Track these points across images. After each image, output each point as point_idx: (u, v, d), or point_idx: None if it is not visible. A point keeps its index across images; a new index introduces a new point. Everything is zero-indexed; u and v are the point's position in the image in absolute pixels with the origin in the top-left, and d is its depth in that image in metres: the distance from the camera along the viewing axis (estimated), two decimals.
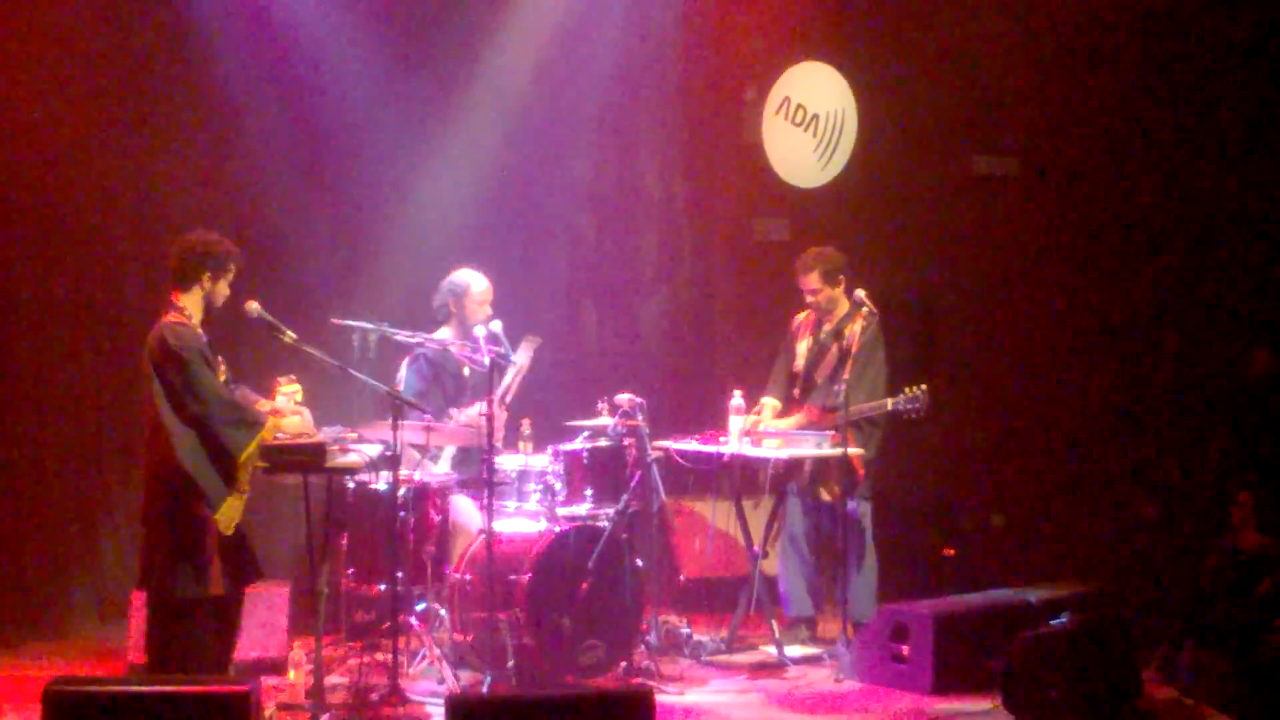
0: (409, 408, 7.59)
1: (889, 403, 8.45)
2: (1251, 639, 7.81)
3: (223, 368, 6.95)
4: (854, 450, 8.44)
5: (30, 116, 9.34)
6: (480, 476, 7.96)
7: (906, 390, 8.39)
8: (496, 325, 8.29)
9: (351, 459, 7.40)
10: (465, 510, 8.42)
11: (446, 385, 8.65)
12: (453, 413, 8.48)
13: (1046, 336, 10.58)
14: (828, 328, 8.95)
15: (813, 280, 8.86)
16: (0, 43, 9.27)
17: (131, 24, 9.61)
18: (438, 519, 7.99)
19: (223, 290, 6.96)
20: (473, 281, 8.68)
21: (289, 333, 7.14)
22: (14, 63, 9.31)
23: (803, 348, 9.03)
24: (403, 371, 8.62)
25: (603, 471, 8.20)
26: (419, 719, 7.38)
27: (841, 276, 8.88)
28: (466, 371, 8.68)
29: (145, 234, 9.38)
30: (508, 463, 8.32)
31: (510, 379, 8.59)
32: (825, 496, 8.75)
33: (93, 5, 9.49)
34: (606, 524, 8.03)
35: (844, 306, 8.89)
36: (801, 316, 9.11)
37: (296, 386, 7.21)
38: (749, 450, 8.63)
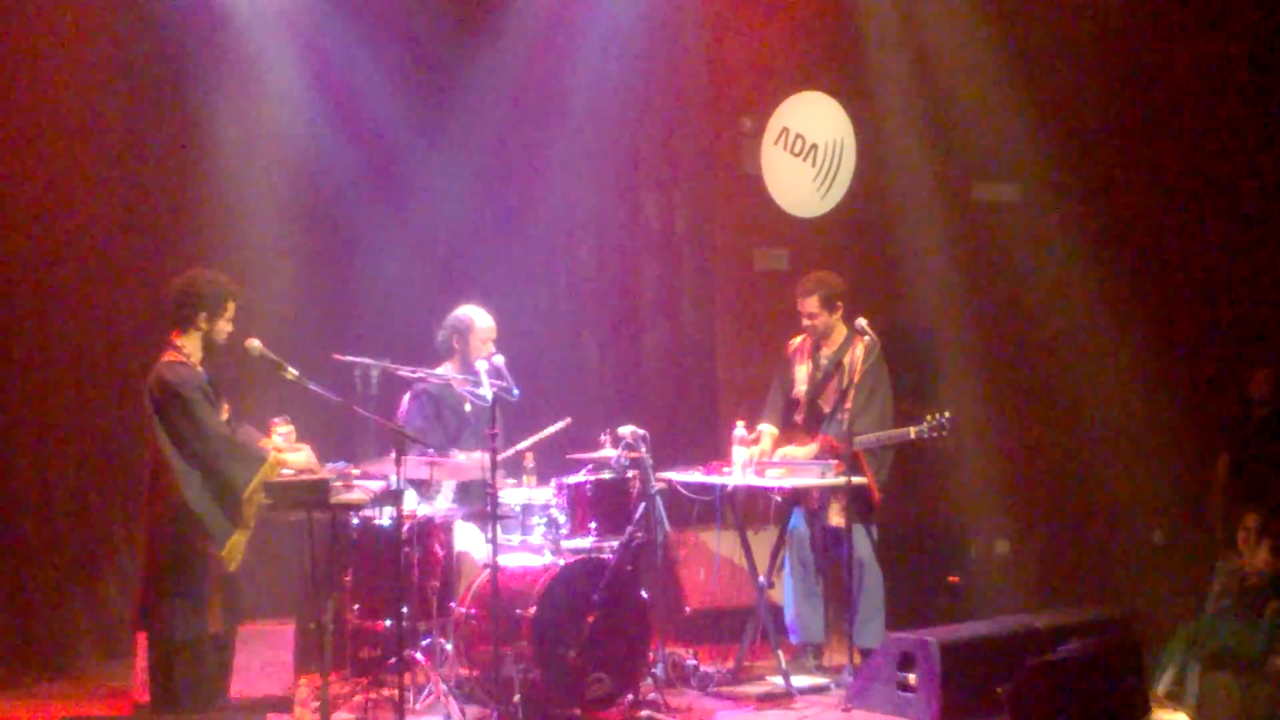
0: (412, 443, 7.60)
1: (911, 431, 8.41)
2: (1259, 662, 7.79)
3: (225, 407, 6.95)
4: (859, 479, 8.45)
5: (25, 163, 9.36)
6: (482, 510, 7.96)
7: (929, 418, 8.36)
8: (499, 359, 8.30)
9: (355, 495, 7.41)
10: (470, 544, 8.42)
11: (448, 421, 8.65)
12: (454, 454, 8.48)
13: (1049, 363, 10.59)
14: (827, 353, 8.94)
15: (812, 304, 8.86)
16: (6, 85, 9.30)
17: (130, 66, 9.63)
18: (442, 554, 7.99)
19: (223, 328, 6.97)
20: (477, 318, 8.68)
21: (291, 369, 7.15)
22: (17, 105, 9.35)
23: (801, 373, 9.02)
24: (404, 406, 8.62)
25: (607, 504, 8.19)
26: None
27: (839, 303, 8.89)
28: (468, 407, 8.68)
29: (145, 272, 9.37)
30: (512, 496, 8.33)
31: (525, 444, 8.58)
32: (834, 522, 8.74)
33: (93, 46, 9.50)
34: (611, 556, 8.02)
35: (841, 332, 8.89)
36: (797, 341, 9.11)
37: (290, 428, 7.22)
38: (753, 480, 8.63)
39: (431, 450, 7.98)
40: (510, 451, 8.45)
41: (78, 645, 9.36)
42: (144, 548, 6.85)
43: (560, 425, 8.55)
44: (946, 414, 8.37)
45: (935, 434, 8.36)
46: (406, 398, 8.66)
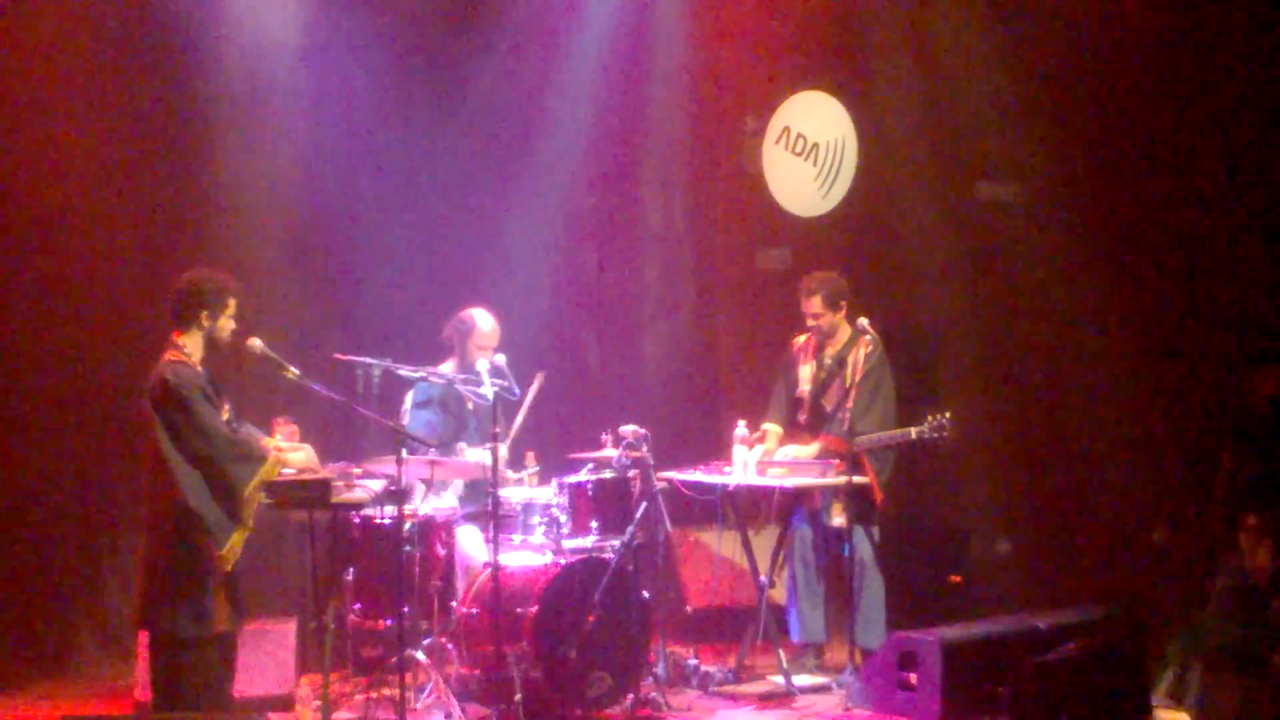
0: (413, 442, 7.60)
1: (912, 431, 8.40)
2: (1261, 662, 7.78)
3: (226, 406, 6.95)
4: (860, 479, 8.44)
5: (27, 164, 9.37)
6: (484, 509, 7.96)
7: (930, 418, 8.36)
8: (500, 358, 8.30)
9: (357, 494, 7.40)
10: (471, 544, 8.42)
11: (450, 420, 8.65)
12: (460, 448, 8.49)
13: (1051, 362, 10.57)
14: (831, 352, 8.94)
15: (815, 304, 8.86)
16: (6, 87, 9.31)
17: (133, 68, 9.64)
18: (443, 553, 8.00)
19: (226, 326, 6.95)
20: (480, 322, 8.67)
21: (292, 369, 7.14)
22: (18, 106, 9.35)
23: (806, 373, 9.02)
24: (407, 405, 8.62)
25: (608, 503, 8.20)
26: None
27: (843, 302, 8.88)
28: (470, 405, 8.68)
29: (145, 273, 9.38)
30: (513, 496, 8.32)
31: (519, 418, 8.58)
32: (835, 522, 8.74)
33: (96, 47, 9.51)
34: (612, 556, 8.02)
35: (845, 332, 8.89)
36: (801, 339, 9.11)
37: (294, 428, 7.21)
38: (754, 479, 8.63)
39: (434, 450, 7.99)
40: (512, 426, 8.43)
41: (79, 644, 9.37)
42: (144, 548, 6.84)
43: (537, 383, 8.53)
44: (947, 414, 8.36)
45: (935, 434, 8.36)
46: (409, 397, 8.65)
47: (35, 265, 9.45)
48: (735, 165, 11.01)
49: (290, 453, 7.08)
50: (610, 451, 8.29)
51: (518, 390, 8.24)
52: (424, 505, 8.12)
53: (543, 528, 8.22)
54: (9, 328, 9.37)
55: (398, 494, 7.37)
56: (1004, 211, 10.84)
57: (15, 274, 9.41)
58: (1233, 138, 10.19)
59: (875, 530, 8.78)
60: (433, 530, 7.98)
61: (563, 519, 8.16)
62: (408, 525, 7.68)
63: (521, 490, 8.42)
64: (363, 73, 10.10)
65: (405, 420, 8.45)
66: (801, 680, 8.60)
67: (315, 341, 9.04)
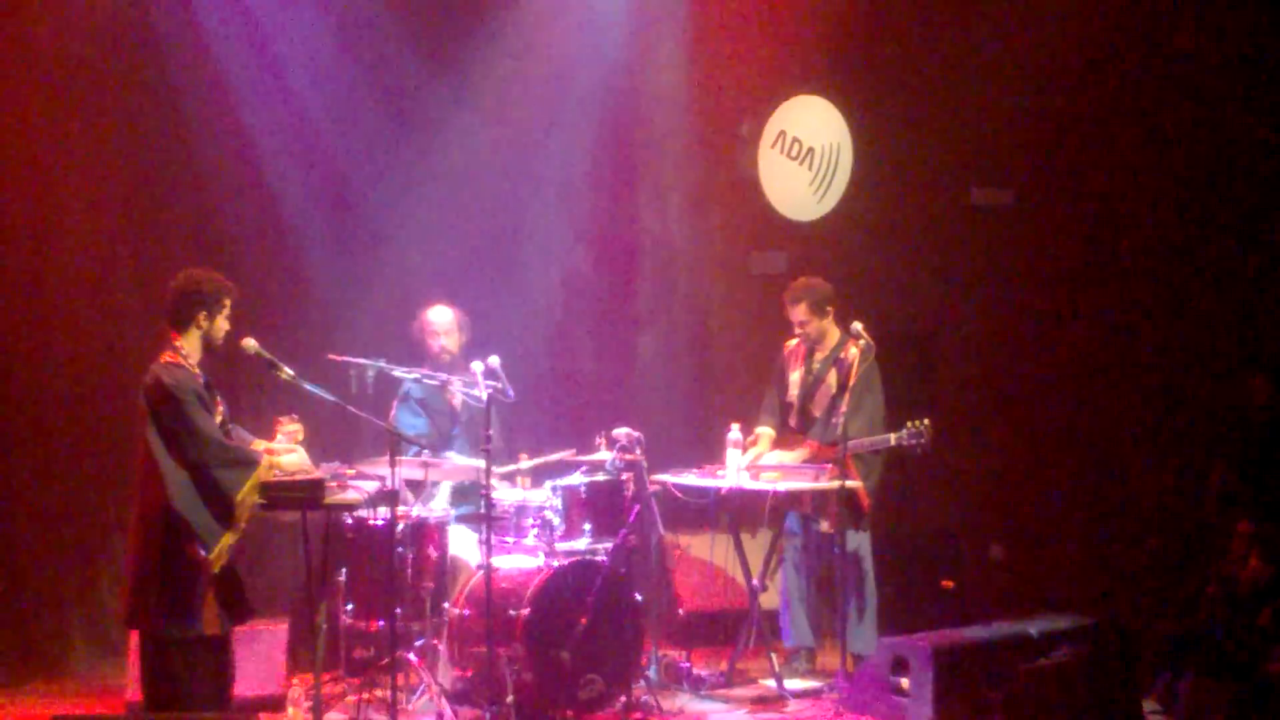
0: (407, 443, 7.59)
1: (891, 437, 8.43)
2: (1251, 669, 7.80)
3: (220, 408, 6.93)
4: (853, 483, 8.44)
5: (22, 165, 9.37)
6: (477, 511, 7.95)
7: (910, 425, 8.37)
8: (494, 360, 8.25)
9: (350, 495, 7.39)
10: (464, 546, 8.41)
11: (439, 420, 8.64)
12: (449, 456, 8.47)
13: (1044, 368, 10.59)
14: (820, 357, 8.95)
15: (801, 311, 8.88)
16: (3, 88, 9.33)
17: (128, 75, 9.64)
18: (436, 555, 7.99)
19: (221, 326, 6.94)
20: (425, 313, 8.75)
21: (286, 369, 7.12)
22: (14, 106, 9.35)
23: (795, 377, 9.03)
24: (394, 412, 8.59)
25: (601, 506, 8.20)
26: None
27: (829, 307, 8.89)
28: (458, 400, 8.66)
29: (142, 273, 9.39)
30: (506, 497, 8.32)
31: (527, 465, 8.55)
32: (826, 527, 8.75)
33: (91, 54, 9.51)
34: (605, 558, 8.02)
35: (834, 336, 8.90)
36: (792, 344, 9.11)
37: (298, 426, 7.18)
38: (747, 483, 8.63)
39: (426, 451, 7.98)
40: (511, 469, 8.44)
41: (71, 643, 9.36)
42: (130, 548, 6.82)
43: (565, 453, 8.54)
44: (925, 421, 8.37)
45: (914, 440, 8.37)
46: (396, 401, 8.64)
47: (29, 266, 9.44)
48: (731, 169, 11.01)
49: (283, 455, 7.06)
50: (604, 454, 8.29)
51: (511, 392, 8.22)
52: (416, 508, 8.12)
53: (536, 530, 8.22)
54: (2, 328, 9.35)
55: (390, 495, 7.36)
56: (998, 217, 10.86)
57: (9, 274, 9.40)
58: (1227, 143, 10.22)
59: (866, 535, 8.79)
60: (425, 532, 7.97)
61: (556, 521, 8.16)
62: (400, 526, 7.68)
63: (515, 492, 8.41)
64: (362, 76, 10.11)
65: (393, 423, 8.44)
66: (793, 684, 8.61)
67: (309, 342, 9.02)
